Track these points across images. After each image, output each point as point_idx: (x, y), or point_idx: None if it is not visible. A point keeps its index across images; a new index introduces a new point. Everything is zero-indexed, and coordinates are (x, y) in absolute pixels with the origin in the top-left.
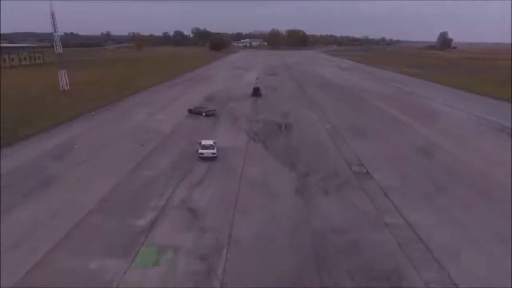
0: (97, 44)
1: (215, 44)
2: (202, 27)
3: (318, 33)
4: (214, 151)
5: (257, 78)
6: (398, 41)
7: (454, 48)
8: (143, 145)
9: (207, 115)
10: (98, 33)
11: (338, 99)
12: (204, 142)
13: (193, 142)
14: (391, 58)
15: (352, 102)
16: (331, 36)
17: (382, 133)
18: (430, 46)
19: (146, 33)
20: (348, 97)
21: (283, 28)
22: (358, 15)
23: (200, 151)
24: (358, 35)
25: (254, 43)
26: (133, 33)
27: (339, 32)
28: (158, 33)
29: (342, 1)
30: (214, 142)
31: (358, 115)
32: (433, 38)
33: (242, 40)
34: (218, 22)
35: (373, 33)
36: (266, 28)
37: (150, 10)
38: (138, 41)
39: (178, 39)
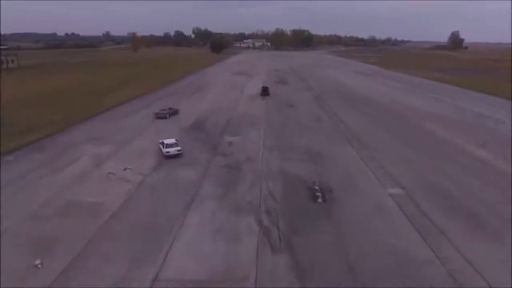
0: (92, 45)
1: (216, 45)
2: (203, 27)
3: (321, 33)
4: (179, 148)
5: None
6: (402, 41)
7: (466, 48)
8: (39, 265)
9: (158, 118)
10: (99, 33)
11: (381, 124)
12: (167, 141)
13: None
14: (407, 60)
15: (405, 131)
16: (335, 36)
17: None
18: (437, 46)
19: (146, 33)
20: (393, 121)
21: (286, 27)
22: (358, 15)
23: (166, 149)
24: (361, 35)
25: (257, 44)
26: (133, 33)
27: (341, 32)
28: (160, 33)
29: (345, 0)
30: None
31: (430, 159)
32: (436, 37)
33: (244, 41)
34: (220, 22)
35: (376, 33)
36: (268, 28)
37: (152, 10)
38: (135, 41)
39: (179, 39)
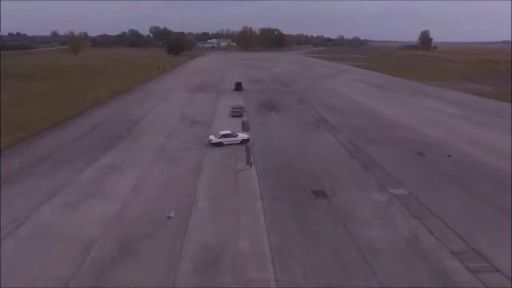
0: (27, 46)
1: (173, 45)
2: (162, 26)
3: (286, 32)
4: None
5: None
6: (365, 41)
7: (435, 48)
8: None
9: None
10: (48, 33)
11: None
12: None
13: None
14: (399, 62)
15: None
16: (302, 35)
17: None
18: (407, 46)
19: (100, 32)
20: None
21: (252, 26)
22: (318, 14)
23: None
24: (326, 34)
25: (223, 44)
26: (71, 32)
27: (304, 31)
28: (117, 33)
29: (312, 0)
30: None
31: None
32: (397, 37)
33: (209, 41)
34: (184, 23)
35: (335, 33)
36: (234, 27)
37: (110, 8)
38: (74, 42)
39: (133, 39)
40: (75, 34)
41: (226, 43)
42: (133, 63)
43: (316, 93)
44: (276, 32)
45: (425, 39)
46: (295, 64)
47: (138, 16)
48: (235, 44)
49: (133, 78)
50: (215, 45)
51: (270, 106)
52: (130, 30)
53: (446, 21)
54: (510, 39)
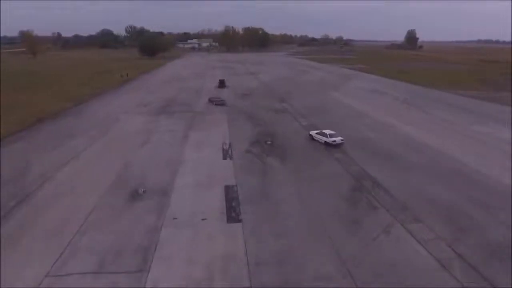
0: None
1: (147, 46)
2: (139, 26)
3: (270, 31)
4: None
5: None
6: (349, 40)
7: (420, 47)
8: None
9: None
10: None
11: None
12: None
13: None
14: (396, 64)
15: None
16: (285, 35)
17: None
18: (393, 45)
19: (72, 33)
20: None
21: (235, 25)
22: (300, 13)
23: (332, 139)
24: (310, 34)
25: (204, 44)
26: (26, 32)
27: (288, 31)
28: (91, 33)
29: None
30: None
31: None
32: (375, 37)
33: (189, 41)
34: (162, 22)
35: (315, 33)
36: (216, 26)
37: (88, 9)
38: (30, 44)
39: (107, 39)
40: (32, 34)
41: (207, 44)
42: (94, 68)
43: (331, 115)
44: (260, 32)
45: (411, 39)
46: (286, 67)
47: (117, 16)
48: (217, 44)
49: (78, 91)
50: (196, 45)
51: (268, 142)
52: (103, 30)
53: (422, 21)
54: (483, 39)
